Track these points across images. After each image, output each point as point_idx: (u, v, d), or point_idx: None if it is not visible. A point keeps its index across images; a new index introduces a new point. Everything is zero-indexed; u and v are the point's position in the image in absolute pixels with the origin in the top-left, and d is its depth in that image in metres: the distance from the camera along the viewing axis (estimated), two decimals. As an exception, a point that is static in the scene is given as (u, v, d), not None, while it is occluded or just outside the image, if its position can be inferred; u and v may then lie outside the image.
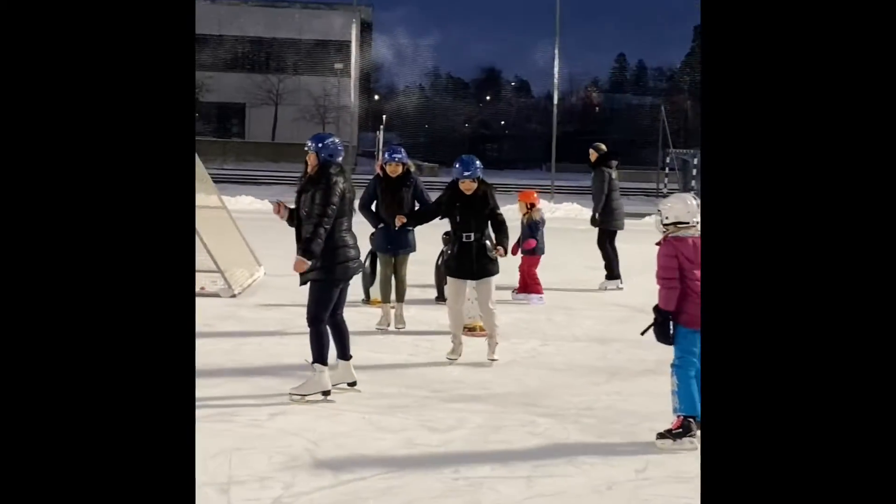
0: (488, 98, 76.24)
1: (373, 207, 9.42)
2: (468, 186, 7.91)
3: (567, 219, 24.98)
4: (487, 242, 7.95)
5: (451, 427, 6.20)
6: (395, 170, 9.32)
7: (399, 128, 64.74)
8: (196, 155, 13.05)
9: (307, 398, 6.60)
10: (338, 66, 47.40)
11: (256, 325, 9.44)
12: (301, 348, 8.44)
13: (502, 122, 74.44)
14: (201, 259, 11.19)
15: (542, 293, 11.40)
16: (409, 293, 9.74)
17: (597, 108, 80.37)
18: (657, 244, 6.06)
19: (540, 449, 5.78)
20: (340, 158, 6.86)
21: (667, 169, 36.85)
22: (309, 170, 6.81)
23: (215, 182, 14.18)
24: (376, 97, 69.14)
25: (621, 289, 12.41)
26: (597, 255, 12.95)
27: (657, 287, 5.97)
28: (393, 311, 9.42)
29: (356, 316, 9.94)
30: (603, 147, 12.98)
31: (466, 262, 7.91)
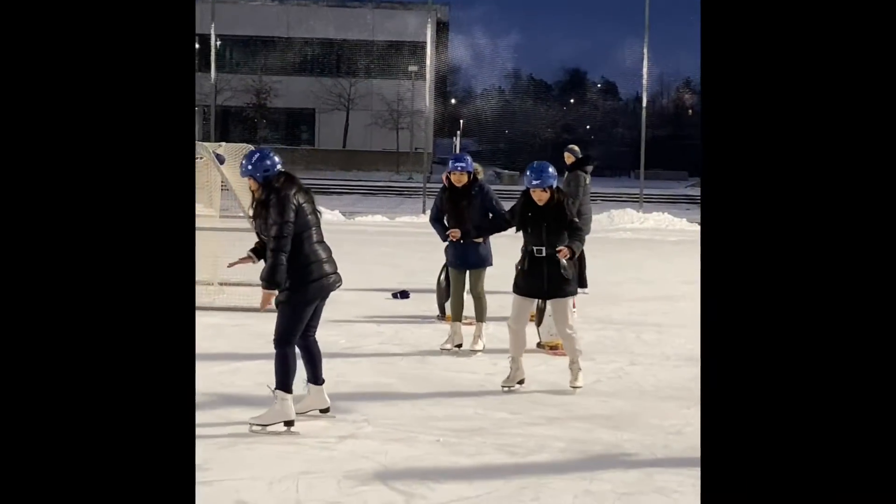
0: (572, 101, 76.01)
1: (445, 220, 9.44)
2: (540, 196, 7.69)
3: (657, 230, 24.82)
4: (563, 259, 7.64)
5: (530, 451, 6.20)
6: (459, 179, 9.29)
7: (477, 133, 64.93)
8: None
9: (268, 429, 6.44)
10: (412, 68, 47.67)
11: (326, 343, 9.40)
12: (372, 367, 8.54)
13: (587, 127, 74.08)
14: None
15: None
16: (490, 310, 9.65)
17: (689, 111, 79.60)
18: None
19: (625, 476, 5.74)
20: (279, 168, 6.58)
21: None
22: (253, 192, 6.64)
23: (283, 192, 14.38)
24: (453, 101, 69.43)
25: (587, 293, 12.19)
26: (691, 268, 12.83)
27: None
28: (473, 330, 9.36)
29: (431, 332, 10.02)
30: (578, 150, 13.38)
31: (537, 279, 7.68)
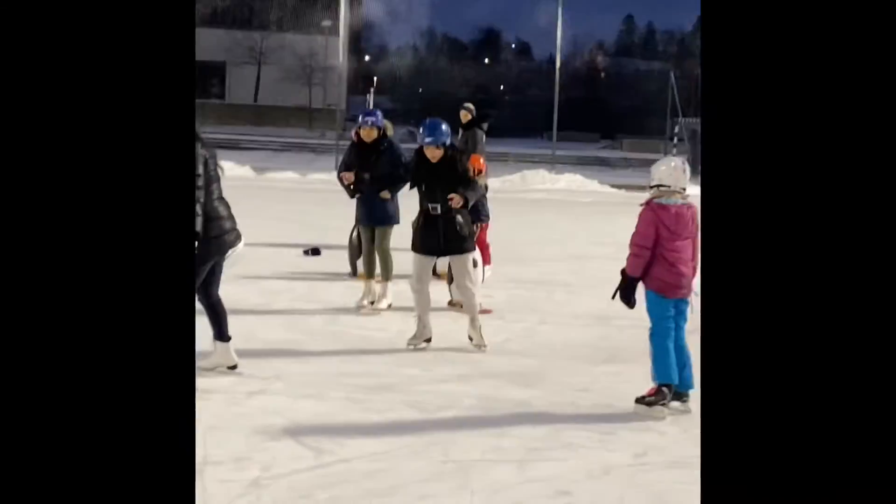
0: (487, 61, 76.06)
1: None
2: (434, 153, 7.62)
3: (569, 191, 25.07)
4: (458, 216, 7.62)
5: (440, 408, 6.26)
6: (369, 134, 9.25)
7: (391, 91, 64.59)
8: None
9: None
10: (325, 23, 47.04)
11: (236, 299, 9.41)
12: (284, 324, 8.51)
13: (501, 87, 74.22)
14: (177, 227, 11.24)
15: (489, 263, 10.98)
16: (399, 268, 9.66)
17: (602, 74, 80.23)
18: (641, 205, 6.26)
19: (534, 431, 5.83)
20: None
21: (675, 139, 36.81)
22: None
23: (193, 146, 14.20)
24: (367, 58, 68.93)
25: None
26: (603, 230, 13.06)
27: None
28: (379, 288, 9.38)
29: (343, 290, 10.03)
30: (473, 108, 13.66)
31: (433, 236, 7.66)
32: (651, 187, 6.28)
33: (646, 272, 6.23)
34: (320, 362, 7.27)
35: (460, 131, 13.15)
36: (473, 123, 13.35)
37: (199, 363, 6.43)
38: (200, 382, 6.45)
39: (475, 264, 9.39)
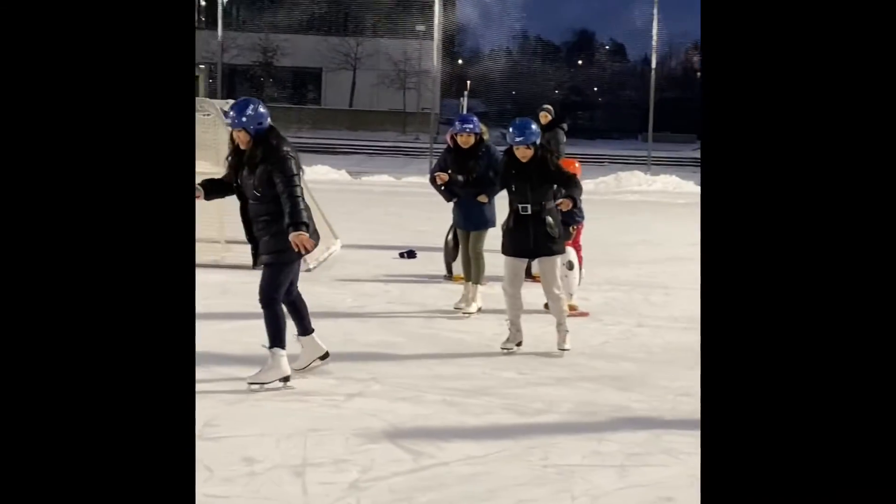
0: (580, 62, 75.48)
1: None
2: (523, 153, 7.53)
3: (665, 192, 24.72)
4: (549, 218, 7.53)
5: (539, 411, 6.20)
6: (466, 141, 9.22)
7: (484, 94, 64.51)
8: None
9: (266, 386, 6.42)
10: (420, 28, 47.23)
11: (333, 302, 9.52)
12: (380, 326, 8.53)
13: (595, 89, 73.66)
14: (275, 231, 11.36)
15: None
16: (494, 270, 9.60)
17: (698, 74, 79.15)
18: None
19: (634, 437, 5.73)
20: (269, 121, 6.48)
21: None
22: (242, 146, 6.43)
23: (290, 150, 14.34)
24: (460, 61, 68.95)
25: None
26: (699, 231, 12.81)
27: None
28: (469, 291, 9.30)
29: (438, 293, 10.02)
30: (552, 109, 14.14)
31: (523, 238, 7.56)
32: None
33: None
34: (417, 365, 7.26)
35: (542, 133, 13.26)
36: (553, 124, 13.51)
37: (292, 366, 6.56)
38: (298, 385, 6.53)
39: (571, 266, 9.32)
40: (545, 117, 13.61)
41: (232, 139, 6.49)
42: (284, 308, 6.65)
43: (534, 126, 7.64)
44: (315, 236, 6.54)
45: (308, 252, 6.47)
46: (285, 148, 6.38)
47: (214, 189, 6.70)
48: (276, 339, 6.48)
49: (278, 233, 6.35)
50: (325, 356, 6.89)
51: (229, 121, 6.42)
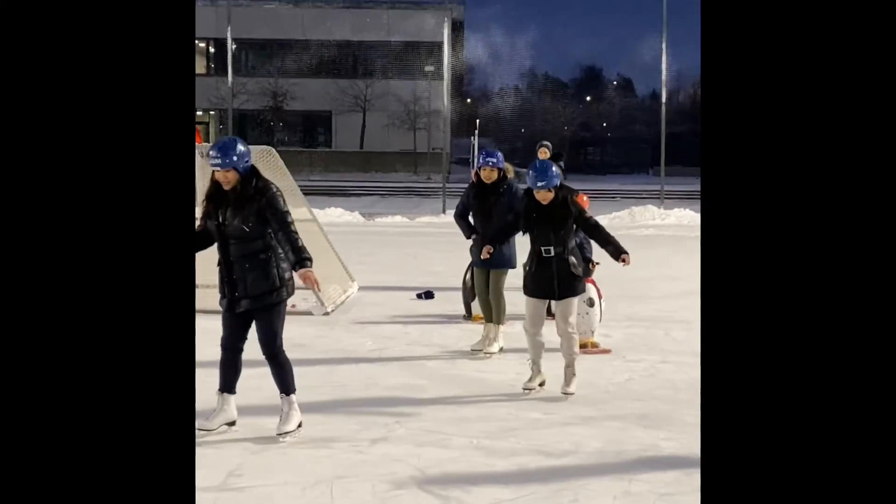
0: (589, 99, 75.75)
1: (470, 218, 9.35)
2: (545, 196, 7.45)
3: (680, 226, 24.67)
4: (572, 258, 7.46)
5: (566, 452, 6.11)
6: (489, 175, 9.14)
7: (494, 132, 64.77)
8: (284, 166, 13.18)
9: (292, 432, 6.28)
10: (429, 68, 47.48)
11: (352, 346, 9.46)
12: (402, 369, 8.46)
13: (605, 124, 73.82)
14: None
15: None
16: (513, 310, 9.53)
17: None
18: None
19: (664, 476, 5.64)
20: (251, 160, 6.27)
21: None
22: (226, 187, 6.12)
23: (303, 194, 14.31)
24: (469, 100, 69.29)
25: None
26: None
27: None
28: (490, 331, 9.20)
29: (458, 333, 9.95)
30: (550, 145, 14.29)
31: (547, 279, 7.47)
32: None
33: None
34: (440, 407, 7.18)
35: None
36: (553, 160, 13.65)
37: (202, 423, 6.28)
38: (323, 430, 6.45)
39: (592, 303, 9.25)
40: (544, 153, 13.73)
41: (212, 181, 6.19)
42: (225, 355, 6.42)
43: (554, 169, 7.53)
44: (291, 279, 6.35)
45: (319, 288, 6.33)
46: (273, 185, 6.25)
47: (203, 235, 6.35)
48: (289, 386, 6.35)
49: (266, 271, 6.15)
50: (233, 423, 6.51)
51: (215, 162, 6.06)
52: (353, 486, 5.43)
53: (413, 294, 12.57)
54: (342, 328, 10.34)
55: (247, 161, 6.19)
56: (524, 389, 7.60)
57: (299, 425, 6.34)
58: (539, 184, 7.42)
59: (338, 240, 14.04)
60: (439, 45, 42.79)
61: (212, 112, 55.45)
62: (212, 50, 55.67)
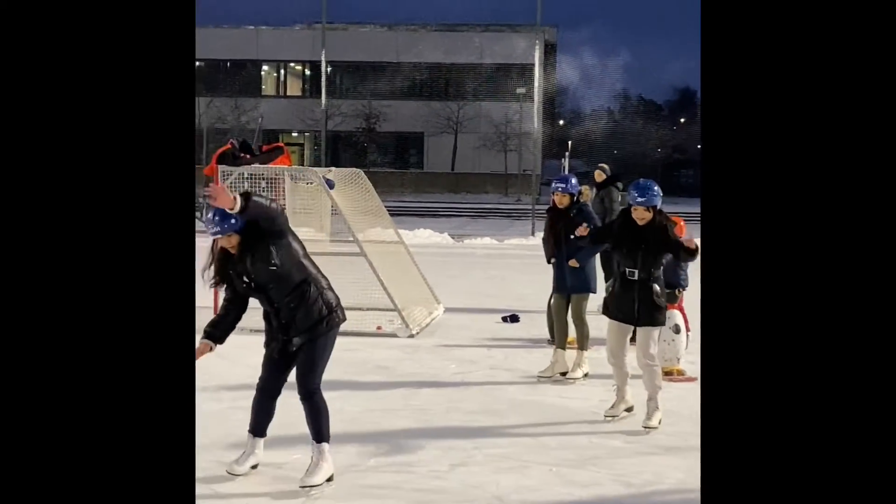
0: (682, 120, 74.99)
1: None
2: (641, 215, 7.23)
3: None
4: (656, 286, 7.25)
5: (647, 482, 6.00)
6: (561, 200, 9.12)
7: (586, 154, 64.48)
8: (372, 186, 13.26)
9: (314, 489, 5.75)
10: (520, 90, 47.49)
11: (435, 369, 9.44)
12: (483, 393, 8.41)
13: (698, 147, 72.96)
14: (377, 297, 11.36)
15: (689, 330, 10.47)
16: (596, 334, 9.39)
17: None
18: None
19: (749, 510, 5.49)
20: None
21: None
22: (234, 251, 5.71)
23: (393, 215, 14.37)
24: (561, 122, 69.13)
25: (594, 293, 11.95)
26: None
27: None
28: (575, 357, 9.10)
29: (542, 358, 9.85)
30: (608, 168, 13.84)
31: (628, 303, 7.28)
32: None
33: None
34: (521, 433, 7.12)
35: (594, 189, 13.25)
36: (608, 182, 13.51)
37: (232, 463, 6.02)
38: (403, 455, 6.43)
39: (678, 330, 9.09)
40: (600, 175, 13.63)
41: (220, 251, 5.79)
42: (261, 400, 6.02)
43: (656, 188, 7.31)
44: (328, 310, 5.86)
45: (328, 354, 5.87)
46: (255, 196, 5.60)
47: (221, 329, 5.94)
48: (322, 433, 5.83)
49: (311, 302, 5.76)
50: (255, 466, 6.10)
51: (215, 231, 5.66)
52: (429, 512, 5.41)
53: (498, 317, 12.52)
54: (426, 351, 10.34)
55: (235, 220, 5.59)
56: (606, 417, 7.49)
57: (330, 479, 5.83)
58: (639, 199, 7.22)
59: (425, 261, 14.07)
60: (531, 68, 42.84)
61: (306, 134, 56.20)
62: (307, 73, 56.50)
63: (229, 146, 12.07)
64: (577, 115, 76.03)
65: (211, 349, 5.82)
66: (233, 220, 5.58)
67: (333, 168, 13.21)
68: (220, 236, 5.66)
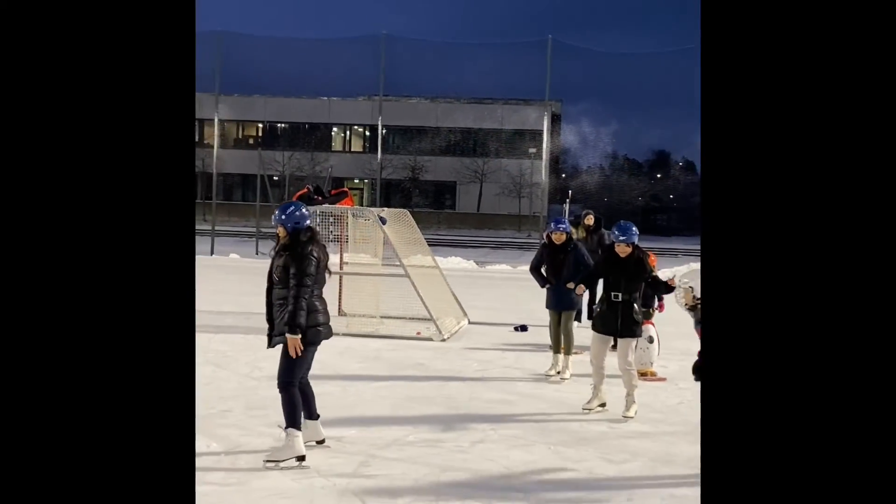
0: (658, 176, 74.57)
1: (543, 271, 9.31)
2: (623, 250, 7.26)
3: (728, 279, 23.94)
4: (636, 305, 7.25)
5: (625, 459, 5.96)
6: (559, 238, 9.13)
7: (581, 201, 64.06)
8: (415, 222, 13.24)
9: (281, 464, 5.48)
10: (532, 150, 47.46)
11: (461, 367, 9.43)
12: (498, 387, 8.39)
13: (670, 196, 72.56)
14: (417, 308, 11.37)
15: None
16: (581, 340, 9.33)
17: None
18: None
19: (705, 483, 5.44)
20: (308, 223, 5.71)
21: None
22: (281, 239, 5.69)
23: (431, 246, 14.42)
24: (563, 175, 68.88)
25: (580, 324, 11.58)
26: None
27: None
28: (561, 361, 9.05)
29: (545, 360, 9.82)
30: (593, 213, 13.23)
31: (612, 320, 7.25)
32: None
33: None
34: (528, 419, 7.08)
35: (584, 232, 12.84)
36: (600, 226, 13.16)
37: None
38: (432, 433, 6.42)
39: (652, 340, 9.04)
40: (590, 219, 13.08)
41: (277, 235, 5.75)
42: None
43: (634, 229, 7.34)
44: (320, 334, 5.67)
45: (294, 355, 5.55)
46: (311, 248, 5.60)
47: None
48: (293, 421, 5.58)
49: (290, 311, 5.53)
50: (321, 441, 5.96)
51: (274, 217, 5.71)
52: (457, 476, 5.40)
53: (511, 327, 12.48)
54: (454, 353, 10.32)
55: (297, 223, 5.64)
56: (583, 409, 7.42)
57: (300, 459, 5.53)
58: (621, 237, 7.27)
59: (455, 282, 14.06)
60: (540, 133, 42.76)
61: (365, 181, 56.39)
62: (367, 133, 56.77)
63: (306, 190, 12.17)
64: (576, 169, 75.62)
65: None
66: (283, 217, 5.64)
67: (385, 208, 13.28)
68: (274, 223, 5.68)
